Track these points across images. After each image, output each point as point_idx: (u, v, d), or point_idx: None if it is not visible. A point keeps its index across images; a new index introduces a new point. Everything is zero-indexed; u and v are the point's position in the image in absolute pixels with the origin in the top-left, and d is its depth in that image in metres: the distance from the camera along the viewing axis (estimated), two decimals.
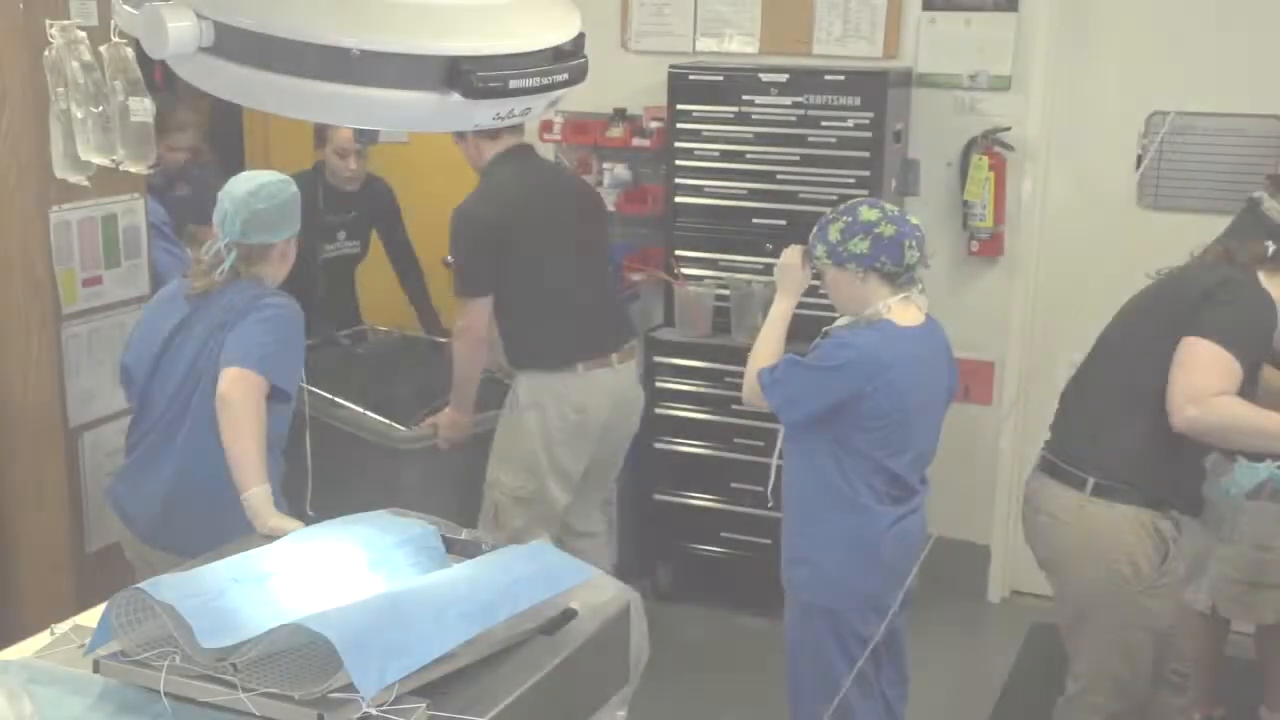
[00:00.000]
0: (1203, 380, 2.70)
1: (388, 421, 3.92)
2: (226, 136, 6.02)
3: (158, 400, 2.91)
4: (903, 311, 2.92)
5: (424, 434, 3.86)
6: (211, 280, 2.89)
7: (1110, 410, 2.90)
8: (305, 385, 3.72)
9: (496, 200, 3.69)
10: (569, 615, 2.06)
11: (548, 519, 3.81)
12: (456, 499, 3.82)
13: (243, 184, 2.91)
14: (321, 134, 4.36)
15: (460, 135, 3.72)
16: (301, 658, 1.78)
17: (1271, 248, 2.88)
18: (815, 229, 2.98)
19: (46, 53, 2.86)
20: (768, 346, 3.01)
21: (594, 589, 2.14)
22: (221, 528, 2.55)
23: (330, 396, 3.91)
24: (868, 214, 2.90)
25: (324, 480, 3.14)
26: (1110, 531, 2.84)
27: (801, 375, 2.90)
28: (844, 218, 2.92)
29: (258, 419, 2.70)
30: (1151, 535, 2.85)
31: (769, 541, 3.69)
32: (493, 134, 3.65)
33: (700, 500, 4.46)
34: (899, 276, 2.90)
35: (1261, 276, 2.84)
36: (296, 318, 2.91)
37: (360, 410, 3.94)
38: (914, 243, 2.88)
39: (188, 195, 4.54)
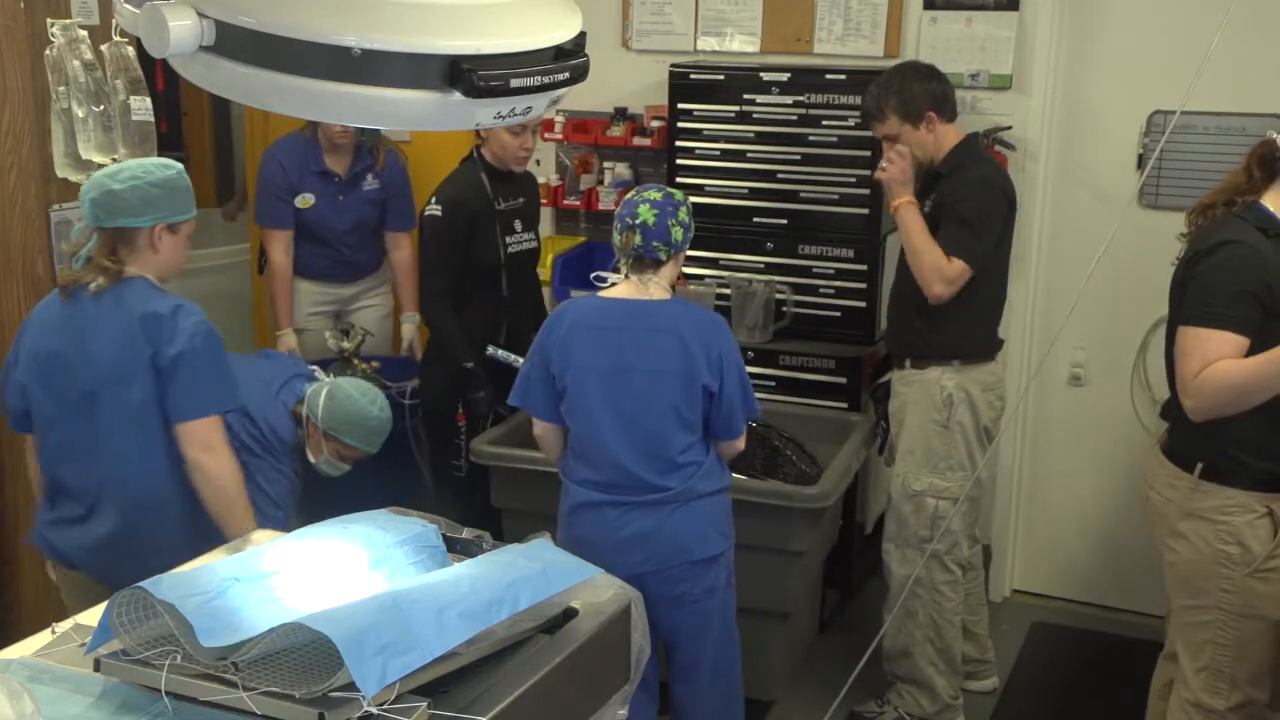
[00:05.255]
0: (1185, 369, 2.72)
1: (800, 487, 3.60)
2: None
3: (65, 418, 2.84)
4: (619, 289, 3.11)
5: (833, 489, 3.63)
6: (77, 275, 2.77)
7: None
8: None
9: (1004, 177, 3.66)
10: (569, 614, 2.07)
11: (975, 512, 3.82)
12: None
13: (110, 168, 2.79)
14: None
15: (916, 127, 3.60)
16: (302, 656, 1.79)
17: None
18: None
19: (48, 52, 2.87)
20: None
21: (594, 588, 2.14)
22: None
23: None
24: (630, 193, 3.13)
25: None
26: (1218, 512, 2.82)
27: (526, 366, 3.16)
28: None
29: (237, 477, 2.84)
30: (1264, 517, 2.81)
31: None
32: (951, 121, 3.63)
33: None
34: (619, 256, 3.10)
35: (1268, 202, 2.79)
36: (209, 335, 2.81)
37: (761, 478, 3.61)
38: (620, 226, 3.06)
39: (375, 189, 4.61)
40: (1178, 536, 2.89)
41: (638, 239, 3.02)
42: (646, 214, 3.02)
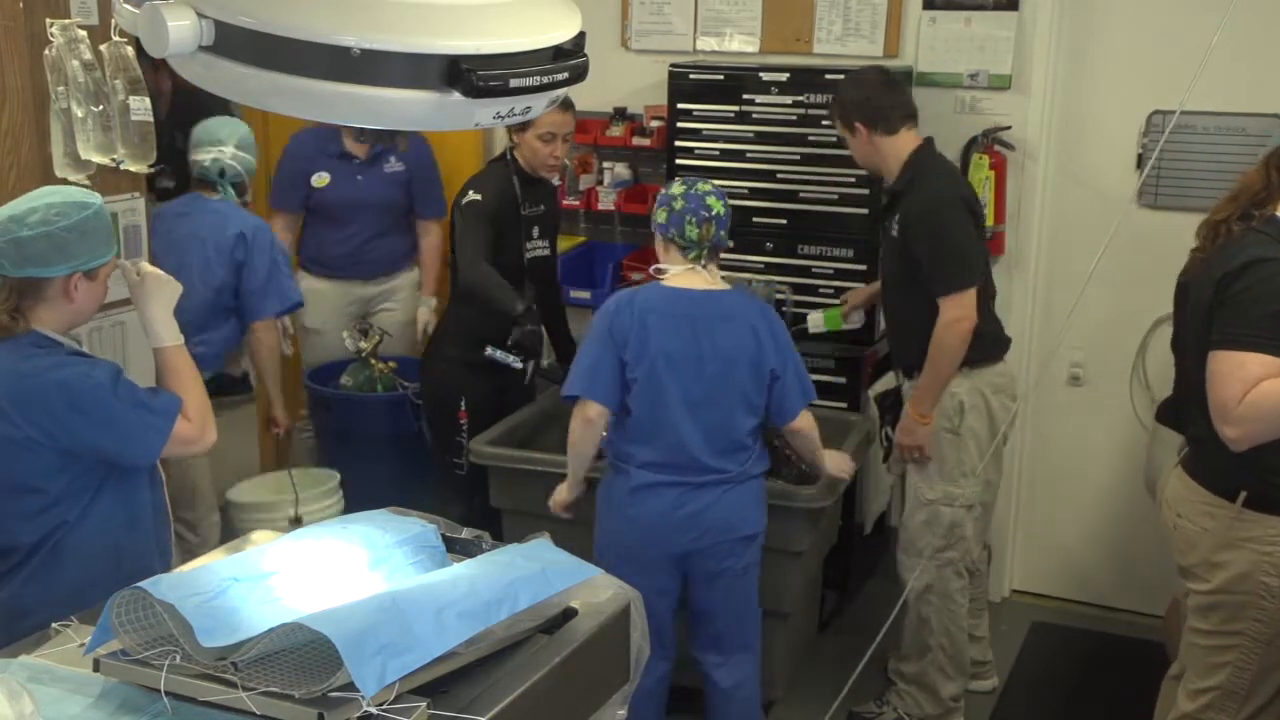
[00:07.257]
0: (1222, 396, 2.56)
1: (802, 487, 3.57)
2: None
3: None
4: (683, 278, 3.16)
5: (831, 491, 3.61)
6: None
7: None
8: None
9: (958, 184, 3.64)
10: (569, 614, 2.07)
11: (988, 517, 3.82)
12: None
13: (19, 203, 2.43)
14: None
15: (851, 134, 3.60)
16: (302, 657, 1.79)
17: None
18: None
19: (47, 51, 2.86)
20: None
21: (594, 588, 2.14)
22: None
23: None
24: (674, 188, 3.18)
25: None
26: (1263, 542, 2.67)
27: (583, 350, 3.20)
28: (663, 189, 3.19)
29: None
30: None
31: None
32: (891, 134, 3.56)
33: None
34: (688, 250, 3.15)
35: None
36: (100, 382, 2.42)
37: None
38: (695, 220, 3.11)
39: (399, 171, 4.64)
40: (1213, 567, 2.74)
41: (713, 229, 3.15)
42: (717, 205, 3.16)
